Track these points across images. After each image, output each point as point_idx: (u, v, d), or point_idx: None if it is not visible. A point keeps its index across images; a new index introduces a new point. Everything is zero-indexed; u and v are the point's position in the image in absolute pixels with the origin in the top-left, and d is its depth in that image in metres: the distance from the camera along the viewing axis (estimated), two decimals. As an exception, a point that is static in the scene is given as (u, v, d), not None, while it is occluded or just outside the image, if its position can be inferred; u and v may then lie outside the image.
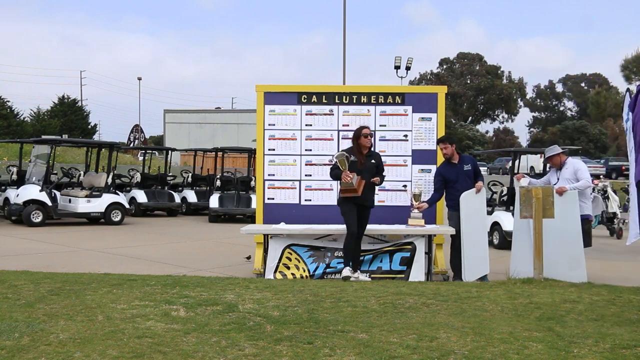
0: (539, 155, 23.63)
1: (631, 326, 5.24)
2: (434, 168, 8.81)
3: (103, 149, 18.77)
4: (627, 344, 4.66)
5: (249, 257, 9.86)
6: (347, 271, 7.62)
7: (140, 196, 19.26)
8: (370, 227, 8.33)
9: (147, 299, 6.01)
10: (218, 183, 18.89)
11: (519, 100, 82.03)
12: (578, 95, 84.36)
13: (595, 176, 18.88)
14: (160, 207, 19.75)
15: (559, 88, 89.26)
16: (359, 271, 7.85)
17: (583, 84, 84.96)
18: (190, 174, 22.31)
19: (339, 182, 7.93)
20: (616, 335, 4.92)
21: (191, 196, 20.45)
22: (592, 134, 66.49)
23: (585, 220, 8.16)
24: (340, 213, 7.86)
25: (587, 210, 8.35)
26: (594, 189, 14.66)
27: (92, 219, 16.33)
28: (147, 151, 24.50)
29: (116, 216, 16.46)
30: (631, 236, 7.89)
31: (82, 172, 18.87)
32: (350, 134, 8.84)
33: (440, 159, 8.81)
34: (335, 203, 8.79)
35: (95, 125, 57.20)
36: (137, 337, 4.62)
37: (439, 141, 8.53)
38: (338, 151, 8.15)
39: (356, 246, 7.84)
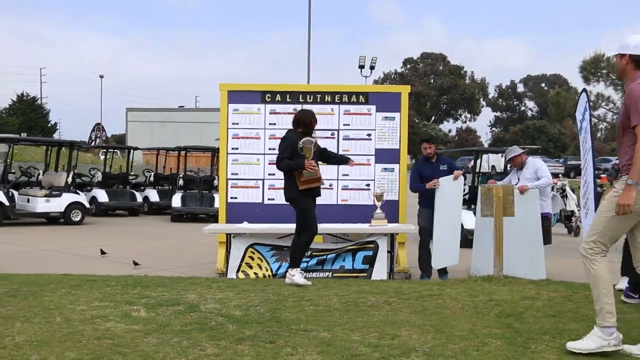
0: (500, 155, 23.98)
1: (587, 322, 5.33)
2: (397, 167, 8.89)
3: (63, 148, 18.47)
4: (583, 339, 4.75)
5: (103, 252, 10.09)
6: (297, 274, 6.97)
7: (101, 195, 19.01)
8: (334, 226, 8.35)
9: (107, 299, 5.93)
10: (181, 182, 18.77)
11: (481, 100, 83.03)
12: (539, 96, 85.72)
13: (554, 175, 19.18)
14: (122, 206, 19.53)
15: (520, 88, 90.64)
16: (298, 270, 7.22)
17: (543, 85, 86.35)
18: (152, 173, 22.10)
19: (293, 173, 7.02)
20: (572, 330, 5.02)
21: (153, 195, 20.25)
22: (552, 133, 67.66)
23: (545, 218, 8.30)
24: (299, 211, 7.10)
25: (547, 209, 8.50)
26: (552, 188, 14.91)
27: (51, 219, 16.07)
28: (109, 150, 24.16)
29: (76, 216, 16.24)
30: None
31: (41, 172, 18.54)
32: (315, 133, 8.84)
33: (404, 158, 8.91)
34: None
35: (56, 123, 56.52)
36: (97, 339, 4.56)
37: (425, 140, 8.78)
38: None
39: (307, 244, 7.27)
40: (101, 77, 70.86)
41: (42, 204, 15.71)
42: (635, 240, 4.63)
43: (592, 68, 28.73)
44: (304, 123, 7.17)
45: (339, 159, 7.71)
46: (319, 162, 7.33)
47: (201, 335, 4.72)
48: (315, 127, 8.12)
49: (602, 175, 22.78)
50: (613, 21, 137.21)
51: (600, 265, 4.48)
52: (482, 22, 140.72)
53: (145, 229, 15.83)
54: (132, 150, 22.25)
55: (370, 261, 8.11)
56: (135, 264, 9.47)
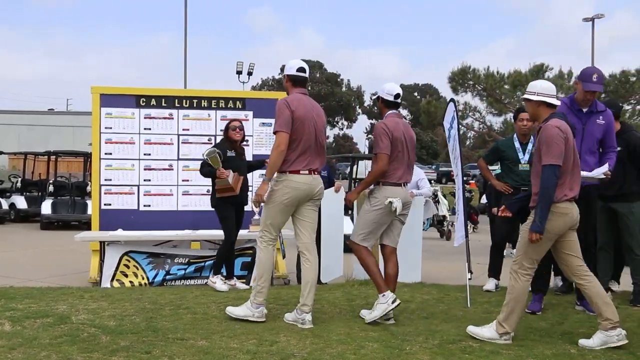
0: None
1: (457, 322, 5.59)
2: (275, 173, 8.90)
3: None
4: (453, 339, 4.98)
5: None
6: (218, 281, 7.28)
7: (-38, 203, 17.84)
8: (212, 233, 8.25)
9: (-32, 313, 5.56)
10: (51, 188, 17.96)
11: (357, 107, 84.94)
12: (412, 104, 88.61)
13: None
14: (-15, 214, 18.40)
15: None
16: (235, 278, 7.72)
17: (416, 94, 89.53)
18: (19, 179, 20.99)
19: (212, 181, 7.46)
20: (444, 331, 5.24)
21: (21, 202, 19.21)
22: (425, 141, 70.30)
23: (418, 223, 8.59)
24: (219, 219, 7.47)
25: (420, 214, 8.80)
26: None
27: None
28: (-30, 154, 22.70)
29: None
30: (458, 238, 8.39)
31: None
32: (191, 139, 8.77)
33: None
34: (176, 208, 8.71)
35: None
36: (-45, 356, 4.26)
37: None
38: (209, 149, 7.51)
39: (232, 252, 7.67)
40: (-39, 76, 66.41)
41: None
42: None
43: (460, 79, 30.09)
44: (225, 133, 7.58)
45: (256, 165, 8.06)
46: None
47: (72, 348, 4.52)
48: (192, 133, 8.10)
49: (470, 182, 23.96)
50: (479, 35, 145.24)
51: None
52: (357, 32, 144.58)
53: (12, 237, 15.01)
54: (-4, 155, 21.08)
55: (249, 267, 8.09)
56: None
